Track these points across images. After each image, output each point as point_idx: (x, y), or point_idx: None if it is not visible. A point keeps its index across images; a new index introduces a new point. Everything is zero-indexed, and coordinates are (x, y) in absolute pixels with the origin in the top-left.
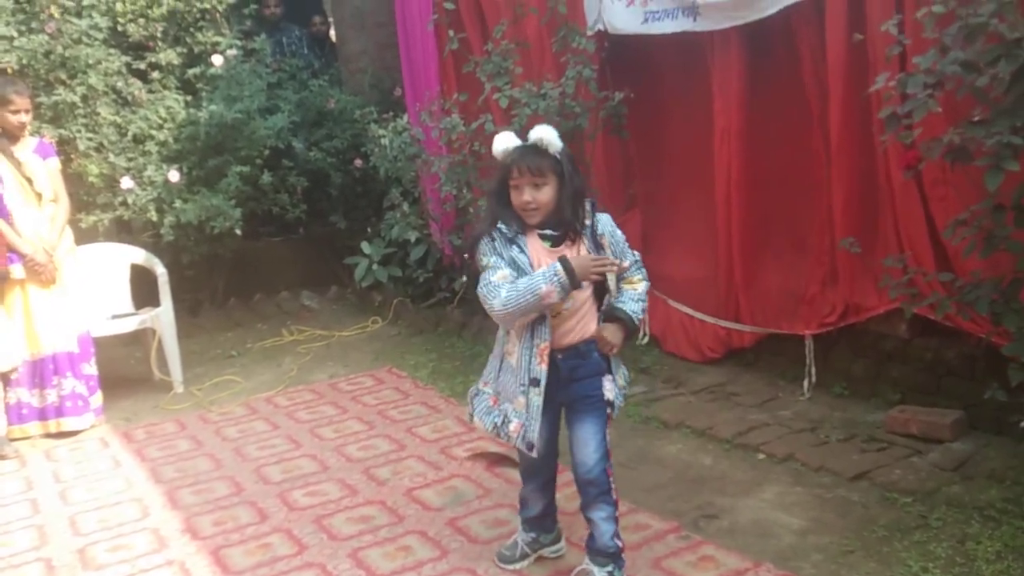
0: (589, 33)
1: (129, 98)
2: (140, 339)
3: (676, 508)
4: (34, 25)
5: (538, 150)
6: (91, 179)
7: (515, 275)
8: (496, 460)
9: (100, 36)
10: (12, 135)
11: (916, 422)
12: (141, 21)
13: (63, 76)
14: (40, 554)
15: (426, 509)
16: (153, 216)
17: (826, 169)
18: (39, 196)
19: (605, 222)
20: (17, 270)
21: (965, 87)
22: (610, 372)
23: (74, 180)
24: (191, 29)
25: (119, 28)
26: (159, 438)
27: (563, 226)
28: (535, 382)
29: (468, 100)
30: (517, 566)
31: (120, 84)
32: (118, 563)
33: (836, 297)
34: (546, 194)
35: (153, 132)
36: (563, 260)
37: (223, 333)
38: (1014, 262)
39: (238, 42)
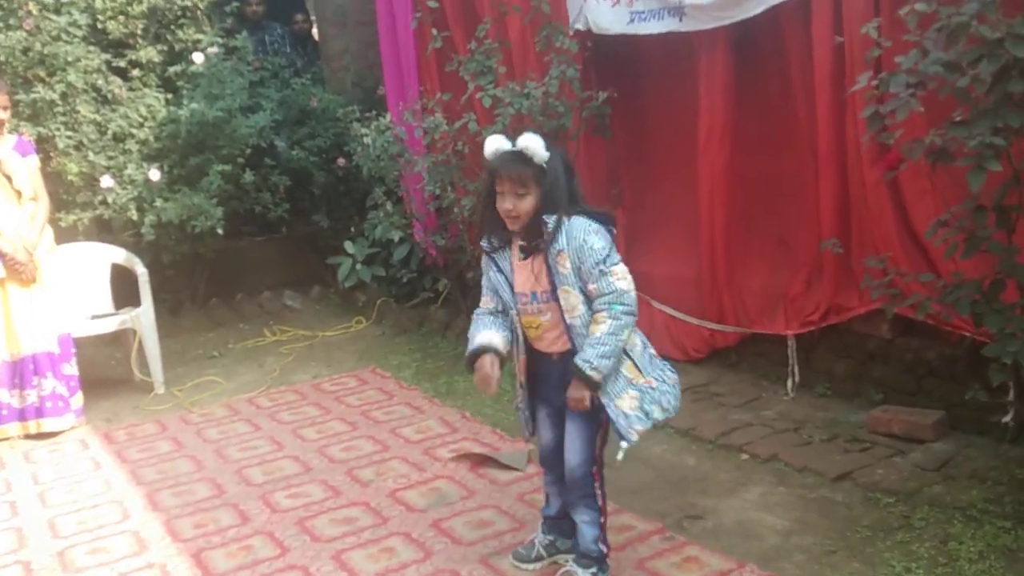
0: (571, 32)
1: (109, 96)
2: (121, 339)
3: (660, 509)
4: (12, 21)
5: (523, 158)
6: (70, 178)
7: (495, 299)
8: (480, 461)
9: (79, 33)
10: None
11: (898, 422)
12: (121, 18)
13: (42, 73)
14: (19, 557)
15: (410, 510)
16: (134, 215)
17: (810, 169)
18: (18, 194)
19: (573, 234)
20: None
21: (947, 87)
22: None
23: (53, 179)
24: (172, 26)
25: (99, 25)
26: (140, 439)
27: (530, 237)
28: (522, 385)
29: (451, 99)
30: (531, 567)
31: (100, 82)
32: (98, 566)
33: (819, 297)
34: (528, 203)
35: (133, 130)
36: (468, 358)
37: (204, 333)
38: (995, 263)
39: (219, 40)
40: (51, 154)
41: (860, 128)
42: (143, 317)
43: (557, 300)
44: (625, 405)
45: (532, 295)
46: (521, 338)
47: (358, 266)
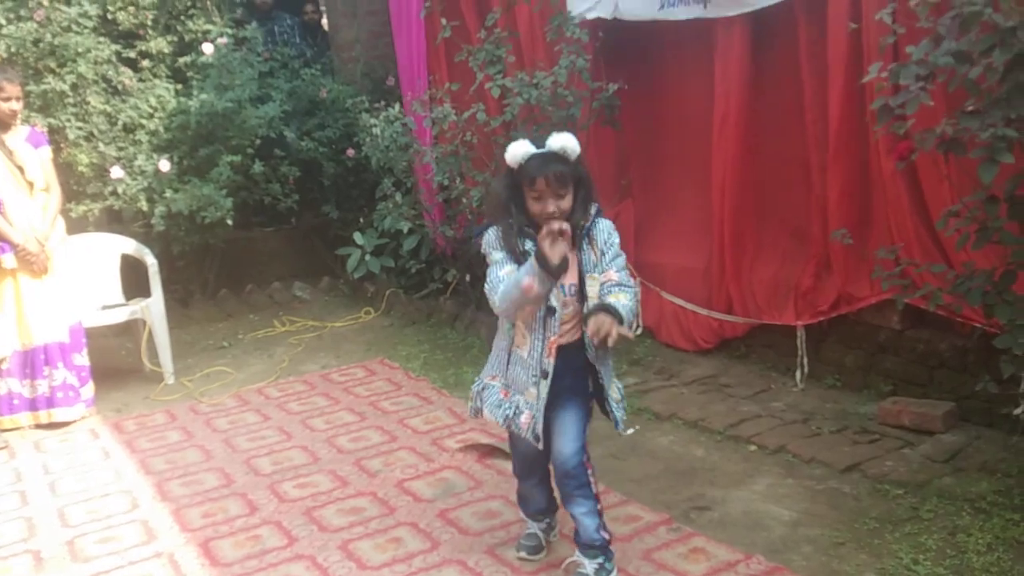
0: (573, 20)
1: (119, 87)
2: (131, 330)
3: (667, 500)
4: (23, 13)
5: (560, 159)
6: (81, 168)
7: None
8: (487, 452)
9: (90, 24)
10: (3, 123)
11: (908, 414)
12: (131, 9)
13: (52, 64)
14: (29, 546)
15: (417, 501)
16: (144, 206)
17: (823, 159)
18: (31, 185)
19: (602, 227)
20: (9, 259)
21: (957, 79)
22: (596, 376)
23: (64, 169)
24: (182, 17)
25: (109, 16)
26: (149, 429)
27: (573, 230)
28: (545, 374)
29: (460, 89)
30: (542, 556)
31: (110, 73)
32: (107, 555)
33: (830, 287)
34: (567, 202)
35: (143, 121)
36: (535, 253)
37: (214, 324)
38: (1007, 254)
39: (229, 30)
40: (62, 145)
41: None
42: (153, 307)
43: (582, 293)
44: (615, 395)
45: (562, 287)
46: (557, 319)
47: (367, 257)
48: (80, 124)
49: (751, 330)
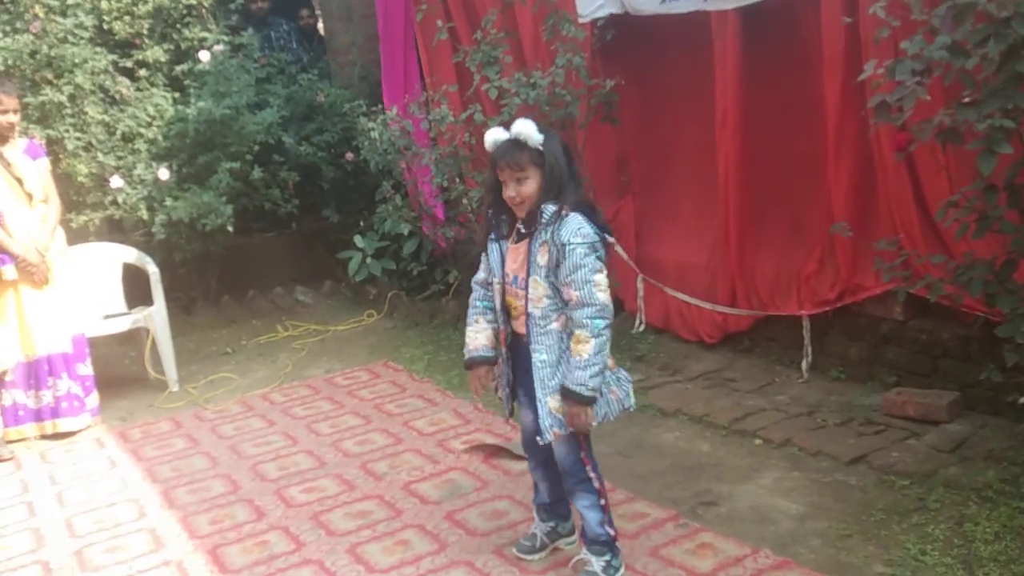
0: (582, 20)
1: (116, 96)
2: (134, 338)
3: (674, 495)
4: (19, 25)
5: (519, 144)
6: (80, 179)
7: (488, 271)
8: (493, 452)
9: (86, 35)
10: (1, 136)
11: (913, 404)
12: (127, 19)
13: (49, 76)
14: (37, 557)
15: (424, 503)
16: (144, 214)
17: (825, 151)
18: (30, 196)
19: (567, 230)
20: (9, 271)
21: (952, 73)
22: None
23: (63, 180)
24: (177, 25)
25: (105, 26)
26: (155, 437)
27: (530, 223)
28: (502, 357)
29: (458, 91)
30: (536, 556)
31: (107, 82)
32: (115, 564)
33: (834, 277)
34: (529, 187)
35: (142, 130)
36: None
37: (217, 330)
38: (1007, 243)
39: (225, 37)
40: (60, 156)
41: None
42: (156, 315)
43: (525, 288)
44: (552, 404)
45: (515, 278)
46: (501, 313)
47: (368, 260)
48: (78, 134)
49: (755, 324)
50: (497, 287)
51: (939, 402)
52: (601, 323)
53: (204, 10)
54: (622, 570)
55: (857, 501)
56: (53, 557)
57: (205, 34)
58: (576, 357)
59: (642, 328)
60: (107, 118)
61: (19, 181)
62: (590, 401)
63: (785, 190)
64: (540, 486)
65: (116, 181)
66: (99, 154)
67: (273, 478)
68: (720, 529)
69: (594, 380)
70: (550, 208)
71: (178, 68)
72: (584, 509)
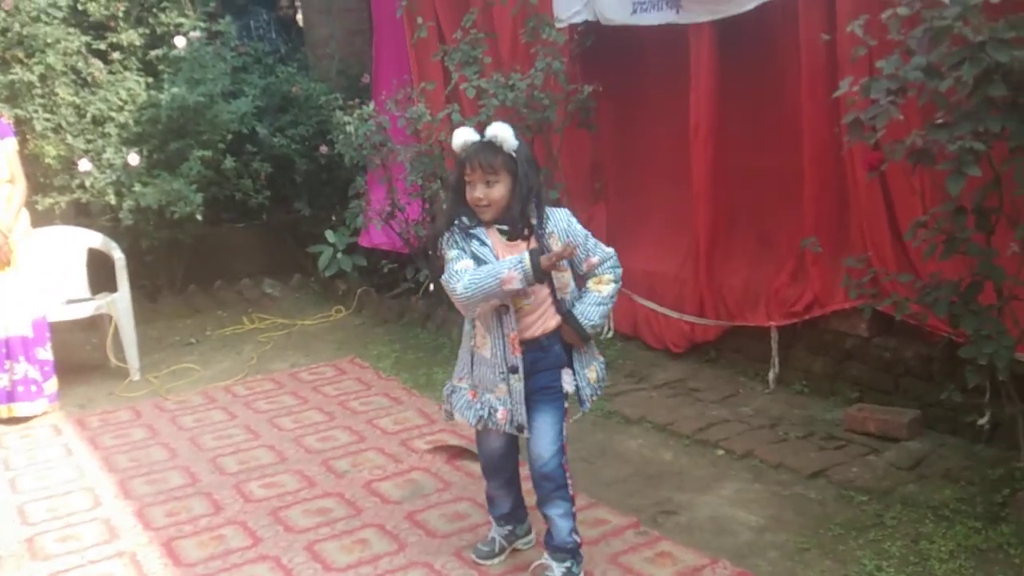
0: (559, 25)
1: (89, 79)
2: (97, 325)
3: (635, 503)
4: None
5: (492, 147)
6: (48, 161)
7: (476, 266)
8: (456, 453)
9: (60, 15)
10: None
11: (874, 420)
12: (102, 0)
13: (20, 55)
14: None
15: (385, 502)
16: (112, 199)
17: (798, 167)
18: None
19: (558, 219)
20: None
21: (927, 94)
22: (571, 365)
23: (31, 161)
24: (154, 9)
25: (79, 7)
26: (113, 426)
27: (513, 223)
28: (513, 369)
29: (436, 90)
30: (496, 561)
31: (80, 64)
32: (67, 554)
33: (803, 290)
34: (498, 191)
35: (113, 114)
36: (532, 252)
37: (182, 320)
38: (973, 265)
39: (202, 24)
40: (28, 136)
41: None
42: (119, 302)
43: (544, 282)
44: (592, 376)
45: None
46: (504, 317)
47: (339, 255)
48: (48, 116)
49: (721, 335)
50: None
51: (900, 419)
52: (618, 270)
53: None
54: None
55: (816, 515)
56: (2, 544)
57: (182, 20)
58: (595, 293)
59: (610, 335)
60: (78, 100)
61: None
62: (587, 338)
63: (757, 203)
64: (502, 502)
65: (84, 164)
66: (68, 136)
67: (232, 472)
68: (680, 538)
69: (601, 320)
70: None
71: (152, 53)
72: (558, 517)
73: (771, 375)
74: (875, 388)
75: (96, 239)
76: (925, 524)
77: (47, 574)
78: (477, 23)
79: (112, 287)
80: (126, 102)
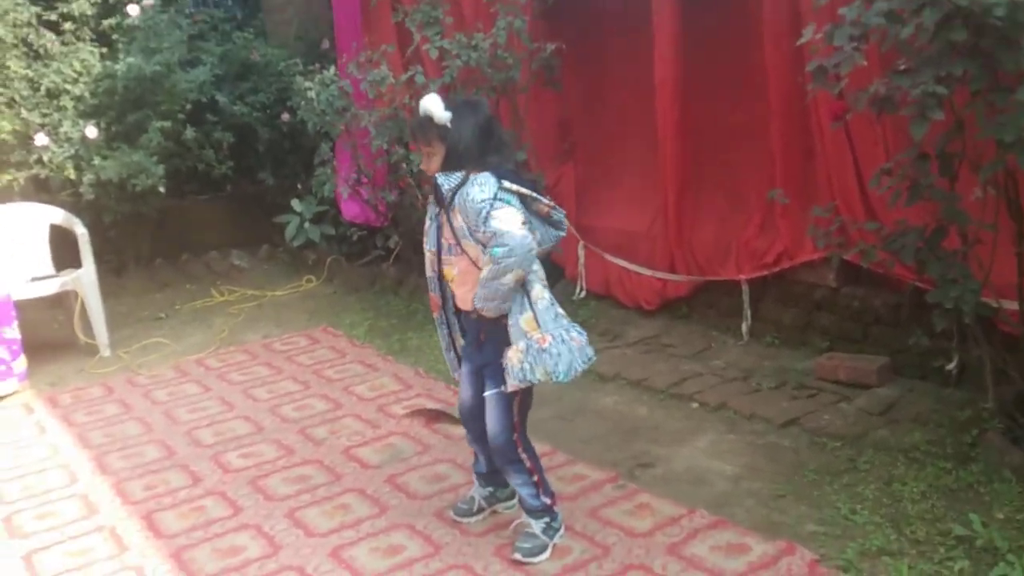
0: None
1: (41, 51)
2: (63, 302)
3: (612, 458)
4: None
5: (428, 119)
6: (3, 136)
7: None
8: (434, 416)
9: None
10: None
11: (844, 368)
12: None
13: None
14: None
15: (364, 467)
16: (71, 174)
17: (764, 119)
18: None
19: (466, 191)
20: None
21: (889, 39)
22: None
23: None
24: None
25: None
26: (86, 403)
27: (437, 191)
28: (441, 322)
29: (397, 52)
30: (472, 519)
31: (31, 36)
32: (46, 531)
33: (772, 241)
34: (436, 162)
35: (68, 86)
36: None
37: (150, 295)
38: (937, 211)
39: None
40: None
41: (810, 79)
42: (84, 278)
43: (463, 253)
44: (513, 357)
45: (448, 247)
46: (436, 281)
47: (306, 225)
48: (1, 90)
49: (693, 291)
50: (431, 257)
51: (870, 367)
52: (499, 251)
53: None
54: (561, 530)
55: (790, 462)
56: None
57: None
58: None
59: (583, 295)
60: (31, 73)
61: None
62: (480, 315)
63: (724, 157)
64: (480, 457)
65: (41, 139)
66: (23, 110)
67: (209, 443)
68: (657, 490)
69: (485, 303)
70: (453, 178)
71: (106, 22)
72: (518, 487)
73: (744, 327)
74: (845, 337)
75: (58, 215)
76: (897, 467)
77: (27, 551)
78: None
79: (76, 263)
80: (81, 74)
